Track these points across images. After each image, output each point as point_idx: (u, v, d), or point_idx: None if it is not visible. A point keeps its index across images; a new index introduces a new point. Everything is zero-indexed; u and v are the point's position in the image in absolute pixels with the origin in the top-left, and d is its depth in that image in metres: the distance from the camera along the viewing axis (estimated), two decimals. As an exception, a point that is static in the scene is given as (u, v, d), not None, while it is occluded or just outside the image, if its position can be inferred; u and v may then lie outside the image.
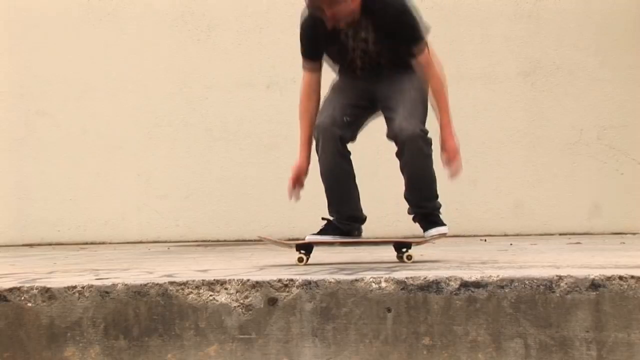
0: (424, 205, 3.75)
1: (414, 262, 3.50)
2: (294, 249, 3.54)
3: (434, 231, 3.68)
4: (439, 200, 3.81)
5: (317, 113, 3.74)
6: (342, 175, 3.73)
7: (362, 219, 3.80)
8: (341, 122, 3.67)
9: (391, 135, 3.65)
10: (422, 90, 3.71)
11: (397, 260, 3.58)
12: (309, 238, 3.63)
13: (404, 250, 3.54)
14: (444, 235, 3.70)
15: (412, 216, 3.80)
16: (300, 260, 3.42)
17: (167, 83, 6.72)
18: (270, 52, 6.65)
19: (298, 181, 3.81)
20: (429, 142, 3.67)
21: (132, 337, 2.68)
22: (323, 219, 3.75)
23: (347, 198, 3.77)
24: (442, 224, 3.72)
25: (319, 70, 3.77)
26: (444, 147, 3.74)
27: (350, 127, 3.72)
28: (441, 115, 3.75)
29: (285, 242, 3.83)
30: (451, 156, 3.74)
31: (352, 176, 3.76)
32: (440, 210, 3.79)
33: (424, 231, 3.73)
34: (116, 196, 6.70)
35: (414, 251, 3.54)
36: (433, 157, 3.70)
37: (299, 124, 3.79)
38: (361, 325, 2.62)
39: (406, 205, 3.82)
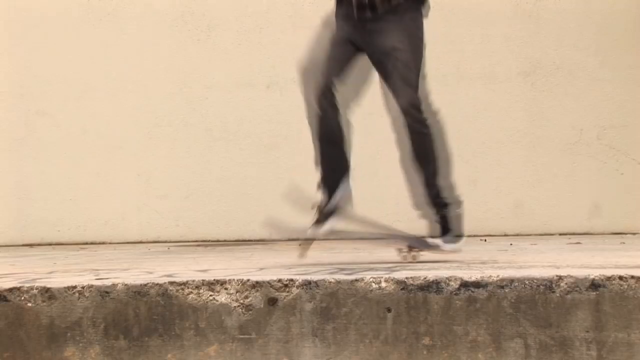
0: (434, 195, 3.63)
1: (413, 262, 3.50)
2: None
3: (449, 247, 3.61)
4: (457, 196, 3.71)
5: None
6: (334, 125, 3.63)
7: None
8: (326, 67, 3.57)
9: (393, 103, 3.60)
10: (415, 47, 3.62)
11: (397, 259, 3.58)
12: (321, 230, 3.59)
13: (414, 248, 3.53)
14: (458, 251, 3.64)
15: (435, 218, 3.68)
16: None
17: (167, 83, 6.72)
18: (270, 52, 6.65)
19: None
20: (423, 120, 3.59)
21: (132, 337, 2.68)
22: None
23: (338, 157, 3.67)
24: (459, 236, 3.62)
25: None
26: None
27: (336, 72, 3.61)
28: None
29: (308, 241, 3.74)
30: None
31: (343, 133, 3.65)
32: (459, 209, 3.67)
33: (440, 236, 3.63)
34: (116, 196, 6.70)
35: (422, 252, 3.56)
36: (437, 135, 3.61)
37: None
38: (361, 325, 2.62)
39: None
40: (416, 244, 3.58)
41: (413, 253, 3.53)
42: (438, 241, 3.62)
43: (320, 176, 3.69)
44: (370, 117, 5.95)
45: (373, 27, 3.63)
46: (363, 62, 3.72)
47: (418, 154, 3.63)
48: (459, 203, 3.69)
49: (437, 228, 3.67)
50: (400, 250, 3.59)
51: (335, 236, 3.67)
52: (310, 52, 3.66)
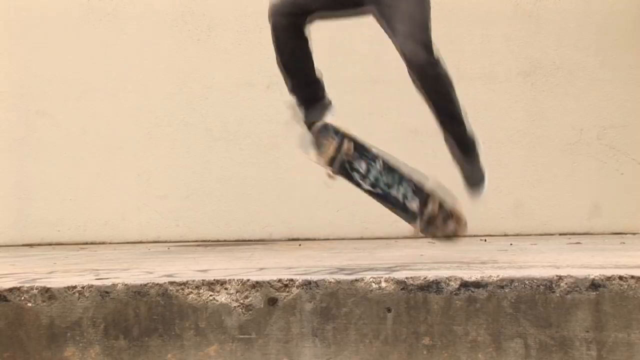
0: (468, 133, 3.53)
1: (413, 262, 3.50)
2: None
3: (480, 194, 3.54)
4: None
5: None
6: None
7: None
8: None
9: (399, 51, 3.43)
10: None
11: (397, 259, 3.58)
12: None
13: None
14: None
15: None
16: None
17: (167, 83, 6.72)
18: (270, 52, 6.60)
19: None
20: (433, 63, 3.45)
21: (132, 337, 2.68)
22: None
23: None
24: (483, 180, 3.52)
25: None
26: None
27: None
28: None
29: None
30: None
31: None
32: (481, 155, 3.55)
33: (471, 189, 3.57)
34: (116, 196, 6.70)
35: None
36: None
37: None
38: (361, 325, 2.62)
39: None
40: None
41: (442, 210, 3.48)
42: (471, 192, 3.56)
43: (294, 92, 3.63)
44: (370, 117, 5.97)
45: None
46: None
47: (441, 96, 3.51)
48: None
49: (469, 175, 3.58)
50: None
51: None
52: None
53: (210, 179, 6.68)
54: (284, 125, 6.60)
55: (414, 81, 3.47)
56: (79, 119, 6.73)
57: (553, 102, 6.57)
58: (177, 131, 6.71)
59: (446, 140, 3.55)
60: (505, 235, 6.40)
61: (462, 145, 3.52)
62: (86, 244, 6.58)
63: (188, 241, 6.55)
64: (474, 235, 6.31)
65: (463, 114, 3.51)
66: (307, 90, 3.59)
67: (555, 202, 6.52)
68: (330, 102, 3.67)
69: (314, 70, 3.64)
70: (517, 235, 6.38)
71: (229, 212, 6.67)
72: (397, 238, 5.74)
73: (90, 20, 6.78)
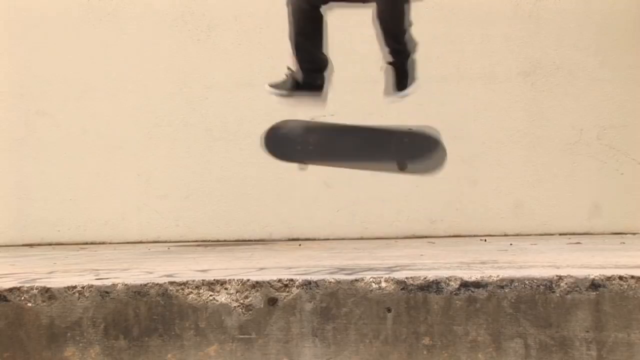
0: (402, 44, 3.66)
1: (413, 261, 3.50)
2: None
3: (401, 94, 3.62)
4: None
5: None
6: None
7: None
8: None
9: None
10: None
11: (396, 259, 3.58)
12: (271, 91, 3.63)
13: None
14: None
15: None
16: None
17: (167, 83, 6.72)
18: (270, 52, 6.65)
19: None
20: None
21: (132, 337, 2.68)
22: (288, 68, 3.74)
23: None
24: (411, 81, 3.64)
25: None
26: None
27: None
28: None
29: None
30: None
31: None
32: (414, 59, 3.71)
33: (397, 89, 3.65)
34: (116, 196, 6.70)
35: None
36: None
37: None
38: (361, 325, 2.62)
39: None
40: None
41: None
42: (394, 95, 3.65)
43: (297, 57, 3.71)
44: (370, 117, 5.95)
45: None
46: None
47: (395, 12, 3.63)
48: (415, 47, 3.71)
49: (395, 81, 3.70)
50: None
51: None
52: None
53: (210, 179, 6.68)
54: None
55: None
56: (79, 119, 6.74)
57: (553, 102, 6.57)
58: (177, 131, 6.71)
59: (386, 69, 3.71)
60: (505, 235, 6.40)
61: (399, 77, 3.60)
62: (86, 244, 6.58)
63: (188, 241, 6.55)
64: (474, 235, 6.32)
65: (410, 44, 3.62)
66: (313, 63, 3.69)
67: (555, 202, 6.53)
68: (325, 78, 3.76)
69: (322, 47, 3.75)
70: (517, 235, 6.38)
71: (229, 212, 6.67)
72: (397, 238, 5.75)
73: (90, 20, 6.78)
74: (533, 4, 6.61)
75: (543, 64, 6.58)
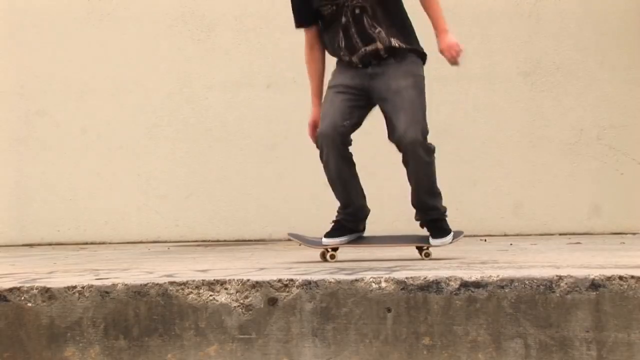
0: (430, 212, 3.83)
1: (412, 260, 3.50)
2: (320, 248, 3.75)
3: (438, 242, 3.75)
4: (444, 204, 3.83)
5: (322, 60, 3.86)
6: (348, 179, 3.82)
7: (367, 214, 3.89)
8: (342, 127, 3.73)
9: (394, 140, 3.73)
10: (419, 86, 3.77)
11: (396, 260, 3.58)
12: (327, 241, 3.78)
13: (424, 247, 3.75)
14: (446, 244, 3.76)
15: (419, 222, 3.84)
16: (332, 257, 3.71)
17: (167, 83, 6.72)
18: (270, 52, 6.65)
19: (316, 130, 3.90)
20: (430, 150, 3.75)
21: (132, 337, 2.68)
22: (333, 221, 3.83)
23: (354, 198, 3.85)
24: (448, 232, 3.79)
25: (315, 29, 3.84)
26: (443, 50, 3.82)
27: (351, 128, 3.76)
28: (437, 23, 3.82)
29: (313, 245, 3.85)
30: (450, 54, 3.83)
31: (356, 177, 3.86)
32: (446, 214, 3.82)
33: (430, 237, 3.77)
34: (116, 196, 6.70)
35: (431, 250, 3.71)
36: (436, 163, 3.75)
37: (308, 75, 3.90)
38: (361, 325, 2.62)
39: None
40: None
41: (425, 252, 3.73)
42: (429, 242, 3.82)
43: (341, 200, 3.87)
44: (370, 117, 5.94)
45: (375, 71, 3.76)
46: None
47: (422, 180, 3.77)
48: (445, 212, 3.87)
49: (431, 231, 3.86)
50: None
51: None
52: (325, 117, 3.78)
53: (210, 179, 6.69)
54: (283, 125, 6.63)
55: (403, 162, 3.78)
56: (79, 119, 6.74)
57: (553, 102, 6.57)
58: (177, 131, 6.71)
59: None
60: (505, 235, 6.40)
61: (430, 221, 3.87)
62: (86, 244, 6.58)
63: (188, 241, 6.55)
64: (474, 235, 6.32)
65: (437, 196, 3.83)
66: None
67: (555, 202, 6.53)
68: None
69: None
70: (517, 235, 6.38)
71: (229, 212, 6.67)
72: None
73: (90, 20, 6.78)
74: (533, 4, 6.61)
75: (543, 64, 6.58)
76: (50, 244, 6.62)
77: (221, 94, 6.71)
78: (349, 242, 3.81)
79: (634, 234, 6.29)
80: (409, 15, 3.84)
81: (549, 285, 2.58)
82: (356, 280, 2.65)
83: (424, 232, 3.86)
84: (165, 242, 6.54)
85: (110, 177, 6.72)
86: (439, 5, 3.82)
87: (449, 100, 6.51)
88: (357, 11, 3.72)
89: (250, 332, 2.65)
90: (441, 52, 3.81)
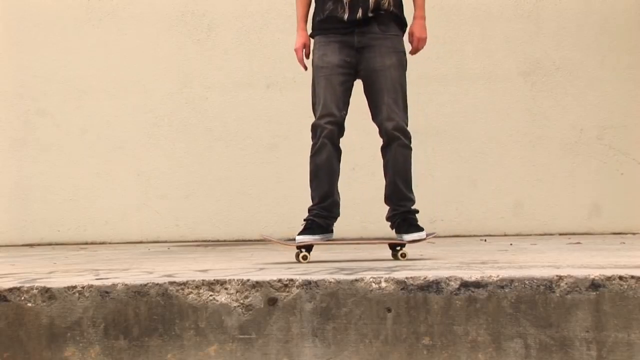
0: (404, 203, 3.84)
1: (412, 260, 3.50)
2: (295, 249, 3.63)
3: (416, 236, 3.74)
4: (416, 205, 3.84)
5: None
6: (335, 171, 3.86)
7: (338, 214, 3.92)
8: (341, 117, 3.76)
9: (377, 122, 3.81)
10: (402, 64, 3.83)
11: (396, 260, 3.59)
12: (301, 239, 3.74)
13: (398, 248, 3.66)
14: (422, 240, 3.75)
15: (389, 223, 3.85)
16: (304, 258, 3.60)
17: (167, 83, 6.72)
18: (270, 52, 6.65)
19: (308, 53, 3.94)
20: (410, 136, 3.80)
21: (132, 337, 2.68)
22: (305, 220, 3.82)
23: (334, 192, 3.88)
24: (421, 229, 3.77)
25: None
26: (413, 35, 3.89)
27: (346, 115, 3.83)
28: (420, 6, 3.90)
29: (285, 242, 3.86)
30: (419, 45, 3.89)
31: (339, 172, 3.88)
32: (418, 215, 3.82)
33: (403, 234, 3.76)
34: (116, 196, 6.70)
35: (407, 250, 3.62)
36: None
37: (297, 2, 3.96)
38: (361, 325, 2.62)
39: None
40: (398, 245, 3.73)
41: (401, 252, 3.64)
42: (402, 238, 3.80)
43: (314, 195, 3.89)
44: (370, 117, 5.94)
45: (362, 42, 3.79)
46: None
47: (399, 169, 3.82)
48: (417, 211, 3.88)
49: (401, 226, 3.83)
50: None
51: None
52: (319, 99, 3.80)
53: (210, 179, 6.69)
54: (283, 125, 6.64)
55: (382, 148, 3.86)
56: (79, 119, 6.74)
57: (553, 102, 6.57)
58: (177, 131, 6.71)
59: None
60: (505, 235, 6.40)
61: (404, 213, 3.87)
62: (86, 244, 6.58)
63: (188, 241, 6.55)
64: (474, 235, 6.32)
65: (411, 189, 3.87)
66: None
67: (555, 202, 6.53)
68: None
69: None
70: (517, 235, 6.38)
71: (229, 212, 6.67)
72: (397, 238, 5.74)
73: (90, 20, 6.78)
74: (533, 4, 6.61)
75: (543, 64, 6.58)
76: (50, 244, 6.62)
77: (221, 94, 6.71)
78: (322, 241, 3.78)
79: (634, 234, 6.29)
80: None
81: (549, 285, 2.58)
82: (356, 280, 2.65)
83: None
84: (165, 242, 6.54)
85: (110, 177, 6.72)
86: None
87: (449, 100, 6.51)
88: None
89: (250, 332, 2.65)
90: (410, 34, 3.89)
